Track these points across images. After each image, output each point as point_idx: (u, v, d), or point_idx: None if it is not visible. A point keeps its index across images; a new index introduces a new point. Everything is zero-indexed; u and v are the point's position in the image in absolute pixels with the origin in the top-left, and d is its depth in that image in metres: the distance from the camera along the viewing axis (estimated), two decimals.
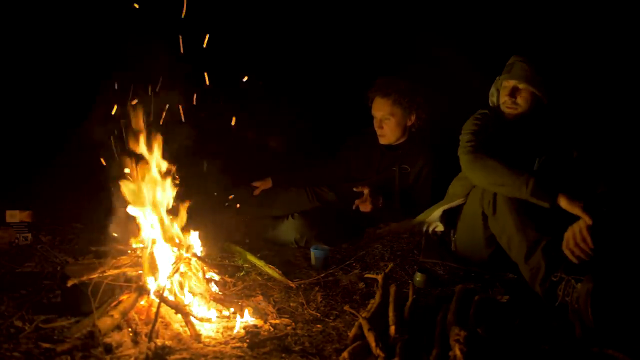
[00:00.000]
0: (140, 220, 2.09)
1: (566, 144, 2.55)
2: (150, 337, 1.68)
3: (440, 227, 2.74)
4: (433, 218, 2.73)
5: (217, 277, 2.19)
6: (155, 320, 1.73)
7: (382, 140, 3.22)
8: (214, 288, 2.12)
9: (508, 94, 2.52)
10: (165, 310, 1.84)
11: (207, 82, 2.58)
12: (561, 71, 2.60)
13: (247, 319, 1.92)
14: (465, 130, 2.60)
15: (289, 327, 1.90)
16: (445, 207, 2.67)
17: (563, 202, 2.16)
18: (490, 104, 2.66)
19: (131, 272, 1.94)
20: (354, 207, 3.01)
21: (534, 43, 3.17)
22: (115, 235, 2.14)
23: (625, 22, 3.39)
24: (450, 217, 2.70)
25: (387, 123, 3.15)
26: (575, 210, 2.13)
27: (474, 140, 2.49)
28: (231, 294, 2.14)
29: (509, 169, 2.29)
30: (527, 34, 3.42)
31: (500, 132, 2.55)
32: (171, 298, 1.89)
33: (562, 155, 2.55)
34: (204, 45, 2.40)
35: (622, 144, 3.28)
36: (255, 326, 1.88)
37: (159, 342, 1.68)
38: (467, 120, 2.65)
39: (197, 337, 1.74)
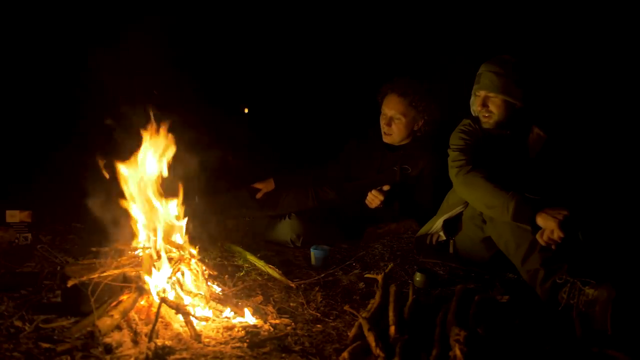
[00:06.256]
0: (141, 220, 2.09)
1: (549, 148, 2.56)
2: (150, 337, 1.68)
3: (442, 237, 2.74)
4: (436, 228, 2.73)
5: (217, 278, 2.19)
6: (156, 320, 1.73)
7: (386, 139, 3.20)
8: (214, 288, 2.12)
9: (481, 104, 2.54)
10: (165, 310, 1.84)
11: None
12: (541, 71, 2.60)
13: (247, 319, 1.92)
14: (452, 144, 2.61)
15: (289, 327, 1.90)
16: (446, 216, 2.67)
17: (541, 222, 2.17)
18: (472, 113, 2.67)
19: (131, 272, 1.94)
20: (366, 200, 3.00)
21: (517, 43, 3.18)
22: (115, 235, 2.14)
23: (605, 21, 3.41)
24: (450, 226, 2.71)
25: (397, 123, 3.11)
26: (550, 226, 2.13)
27: (462, 159, 2.51)
28: (231, 294, 2.14)
29: (495, 190, 2.30)
30: (511, 34, 3.44)
31: (483, 142, 2.57)
32: (171, 298, 1.89)
33: (546, 159, 2.55)
34: None
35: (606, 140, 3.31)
36: (255, 326, 1.88)
37: (159, 342, 1.68)
38: (453, 131, 2.66)
39: (197, 337, 1.74)
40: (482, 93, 2.52)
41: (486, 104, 2.52)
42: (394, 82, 3.13)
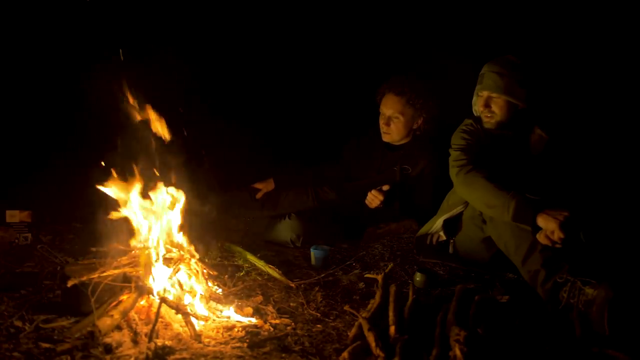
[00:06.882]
0: (140, 221, 2.09)
1: (551, 149, 2.56)
2: (150, 337, 1.68)
3: (442, 237, 2.74)
4: (436, 228, 2.73)
5: (217, 278, 2.19)
6: (156, 320, 1.73)
7: (386, 138, 3.20)
8: (214, 288, 2.12)
9: (483, 104, 2.54)
10: (165, 310, 1.84)
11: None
12: (544, 72, 2.60)
13: (247, 319, 1.92)
14: (453, 144, 2.61)
15: (289, 327, 1.90)
16: (446, 216, 2.67)
17: (541, 222, 2.17)
18: (474, 113, 2.67)
19: (131, 272, 1.94)
20: (366, 200, 3.00)
21: (520, 44, 3.18)
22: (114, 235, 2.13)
23: (609, 22, 3.41)
24: (450, 226, 2.71)
25: (396, 122, 3.11)
26: (550, 227, 2.13)
27: (463, 159, 2.51)
28: (231, 294, 2.14)
29: (495, 190, 2.30)
30: (515, 34, 3.43)
31: (485, 142, 2.57)
32: (171, 298, 1.89)
33: (547, 159, 2.55)
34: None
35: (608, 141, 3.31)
36: (255, 326, 1.88)
37: (159, 342, 1.68)
38: (455, 131, 2.66)
39: (197, 337, 1.74)
40: (485, 93, 2.52)
41: (489, 104, 2.52)
42: (391, 82, 3.13)
